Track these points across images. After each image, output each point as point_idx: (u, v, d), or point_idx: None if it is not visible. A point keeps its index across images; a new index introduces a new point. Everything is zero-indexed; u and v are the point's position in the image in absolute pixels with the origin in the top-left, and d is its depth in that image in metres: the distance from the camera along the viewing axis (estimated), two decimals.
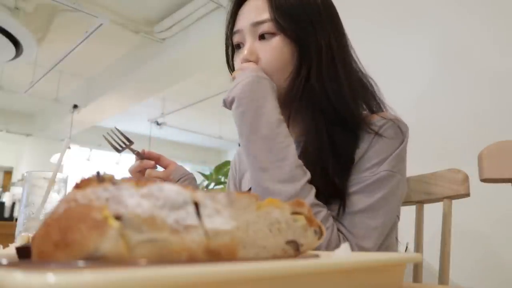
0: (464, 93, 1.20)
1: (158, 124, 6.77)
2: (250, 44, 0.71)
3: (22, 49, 3.85)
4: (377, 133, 0.65)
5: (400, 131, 0.67)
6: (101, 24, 3.65)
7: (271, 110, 0.64)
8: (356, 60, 0.75)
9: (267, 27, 0.69)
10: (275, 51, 0.69)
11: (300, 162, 0.62)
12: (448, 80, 1.25)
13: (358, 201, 0.62)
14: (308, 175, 0.61)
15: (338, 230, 0.61)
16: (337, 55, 0.69)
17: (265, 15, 0.69)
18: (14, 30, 3.53)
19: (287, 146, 0.62)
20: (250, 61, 0.69)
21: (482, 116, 1.15)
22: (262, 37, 0.70)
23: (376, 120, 0.67)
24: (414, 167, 0.88)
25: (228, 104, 0.67)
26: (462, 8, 1.25)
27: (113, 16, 3.74)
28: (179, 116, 6.39)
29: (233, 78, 0.69)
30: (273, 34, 0.69)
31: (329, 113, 0.67)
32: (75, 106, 5.61)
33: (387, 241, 0.63)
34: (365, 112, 0.73)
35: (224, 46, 0.80)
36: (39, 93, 5.52)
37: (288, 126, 0.73)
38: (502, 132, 1.09)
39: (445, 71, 1.26)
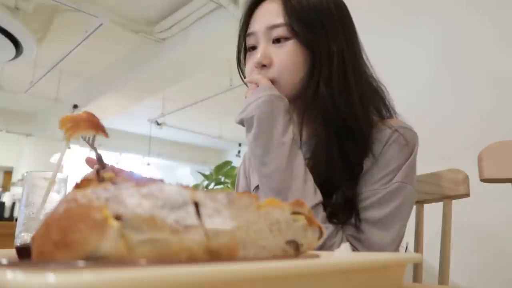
0: (464, 93, 1.20)
1: (158, 124, 6.77)
2: (264, 47, 0.71)
3: (22, 49, 3.85)
4: (387, 142, 0.66)
5: (409, 140, 0.67)
6: (101, 24, 3.65)
7: (283, 131, 0.65)
8: (368, 64, 0.75)
9: (281, 31, 0.70)
10: (288, 55, 0.69)
11: (310, 182, 0.63)
12: (449, 80, 1.25)
13: (371, 214, 0.63)
14: (318, 197, 0.62)
15: (352, 245, 0.62)
16: (348, 62, 0.70)
17: (280, 19, 0.70)
18: (14, 30, 3.53)
19: (299, 166, 0.63)
20: (264, 65, 0.70)
21: (482, 116, 1.15)
22: (276, 41, 0.71)
23: (385, 128, 0.68)
24: None
25: (241, 124, 0.69)
26: (465, 7, 1.25)
27: (113, 16, 3.74)
28: (179, 116, 6.39)
29: (246, 97, 0.69)
30: (287, 39, 0.70)
31: (338, 121, 0.68)
32: (75, 106, 5.61)
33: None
34: (375, 117, 0.73)
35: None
36: (39, 93, 5.52)
37: (301, 132, 0.75)
38: (502, 132, 1.09)
39: (445, 72, 1.26)
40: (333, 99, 0.68)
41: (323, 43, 0.69)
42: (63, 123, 0.57)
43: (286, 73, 0.70)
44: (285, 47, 0.70)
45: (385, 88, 0.75)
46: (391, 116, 0.74)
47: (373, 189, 0.65)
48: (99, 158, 0.64)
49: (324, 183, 0.65)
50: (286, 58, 0.70)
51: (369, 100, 0.72)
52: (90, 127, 0.57)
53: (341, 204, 0.64)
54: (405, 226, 0.66)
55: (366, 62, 0.75)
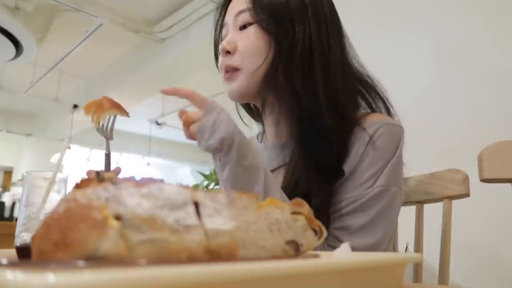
0: (464, 93, 1.20)
1: (158, 124, 6.77)
2: (230, 35, 0.71)
3: (22, 49, 3.85)
4: (369, 142, 0.63)
5: (392, 137, 0.64)
6: (101, 24, 3.65)
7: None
8: (354, 60, 0.73)
9: (246, 16, 0.69)
10: (250, 39, 0.68)
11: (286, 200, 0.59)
12: (448, 80, 1.24)
13: (352, 222, 0.61)
14: None
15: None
16: (318, 54, 0.66)
17: (246, 4, 0.69)
18: (14, 30, 3.53)
19: (274, 186, 0.59)
20: (228, 51, 0.69)
21: (482, 116, 1.15)
22: (242, 27, 0.70)
23: (368, 125, 0.65)
24: (414, 167, 0.88)
25: (212, 149, 0.58)
26: (461, 8, 1.25)
27: (113, 16, 3.74)
28: None
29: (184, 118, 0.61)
30: (251, 24, 0.69)
31: (304, 117, 0.65)
32: (75, 106, 5.61)
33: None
34: (364, 111, 0.71)
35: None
36: (39, 93, 5.52)
37: (280, 132, 0.73)
38: (502, 132, 1.09)
39: (444, 71, 1.26)
40: (294, 90, 0.65)
41: (287, 32, 0.66)
42: (88, 109, 0.59)
43: (247, 59, 0.67)
44: (248, 31, 0.68)
45: (377, 83, 0.73)
46: (387, 111, 0.71)
47: (355, 194, 0.61)
48: (107, 156, 0.65)
49: (304, 191, 0.62)
50: (247, 42, 0.68)
51: (350, 96, 0.69)
52: (114, 106, 0.60)
53: (318, 212, 0.61)
54: (390, 230, 0.63)
55: (352, 57, 0.73)
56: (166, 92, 0.61)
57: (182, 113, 0.61)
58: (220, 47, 0.70)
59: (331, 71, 0.67)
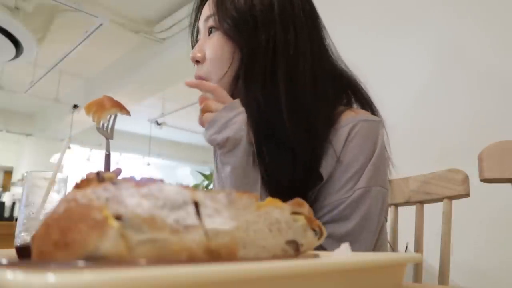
0: (464, 93, 1.20)
1: (158, 124, 6.77)
2: (200, 41, 0.69)
3: (22, 49, 3.85)
4: (345, 143, 0.60)
5: (369, 134, 0.61)
6: (101, 24, 3.65)
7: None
8: (338, 61, 0.70)
9: (212, 21, 0.67)
10: (214, 47, 0.66)
11: None
12: (447, 81, 1.24)
13: (336, 228, 0.58)
14: None
15: None
16: (282, 60, 0.62)
17: (212, 9, 0.67)
18: (14, 30, 3.53)
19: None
20: (197, 60, 0.68)
21: (481, 116, 1.15)
22: (210, 32, 0.68)
23: (343, 124, 0.62)
24: (414, 167, 0.88)
25: (217, 144, 0.58)
26: (457, 10, 1.25)
27: (113, 16, 3.74)
28: (179, 116, 6.39)
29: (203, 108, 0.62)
30: (216, 29, 0.66)
31: (260, 122, 0.62)
32: (75, 106, 5.61)
33: (377, 246, 0.61)
34: (344, 107, 0.68)
35: None
36: (39, 93, 5.52)
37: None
38: (502, 132, 1.09)
39: (443, 72, 1.26)
40: (254, 93, 0.62)
41: (250, 35, 0.63)
42: (89, 109, 0.60)
43: (214, 67, 0.65)
44: (213, 38, 0.66)
45: (360, 82, 0.70)
46: (372, 112, 0.68)
47: (336, 199, 0.59)
48: (107, 156, 0.65)
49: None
50: (212, 49, 0.66)
51: (324, 96, 0.64)
52: (114, 105, 0.60)
53: None
54: (375, 233, 0.60)
55: (338, 58, 0.70)
56: (190, 85, 0.63)
57: (203, 99, 0.62)
58: (190, 56, 0.68)
59: (299, 73, 0.63)
